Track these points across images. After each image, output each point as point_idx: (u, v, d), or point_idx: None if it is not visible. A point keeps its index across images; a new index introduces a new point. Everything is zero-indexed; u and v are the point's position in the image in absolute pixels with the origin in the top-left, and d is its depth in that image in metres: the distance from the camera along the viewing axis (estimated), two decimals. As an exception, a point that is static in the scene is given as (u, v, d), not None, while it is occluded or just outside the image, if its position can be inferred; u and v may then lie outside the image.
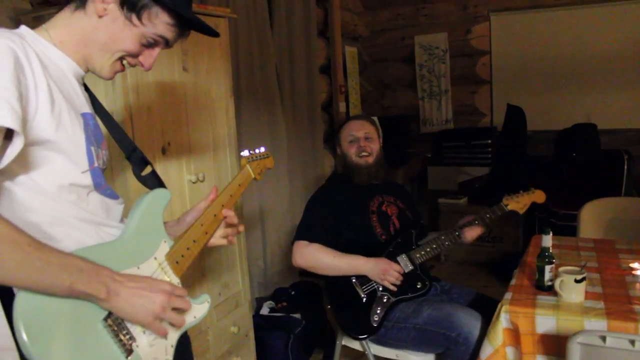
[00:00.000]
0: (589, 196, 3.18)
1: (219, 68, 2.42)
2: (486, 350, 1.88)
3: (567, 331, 1.69)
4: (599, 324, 1.70)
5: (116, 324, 1.09)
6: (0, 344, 0.99)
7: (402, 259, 2.38)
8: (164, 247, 1.27)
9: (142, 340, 1.14)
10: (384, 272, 2.31)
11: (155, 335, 1.17)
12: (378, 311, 2.30)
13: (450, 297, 2.45)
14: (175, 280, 1.27)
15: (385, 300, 2.32)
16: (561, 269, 1.90)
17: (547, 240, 1.96)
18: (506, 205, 2.45)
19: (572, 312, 1.77)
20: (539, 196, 2.51)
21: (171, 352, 1.23)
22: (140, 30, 1.17)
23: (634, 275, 2.07)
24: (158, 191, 1.30)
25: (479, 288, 2.61)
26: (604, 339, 1.50)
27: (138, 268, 1.17)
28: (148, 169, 1.37)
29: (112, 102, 1.89)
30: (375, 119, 4.99)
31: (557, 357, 1.76)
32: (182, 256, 1.31)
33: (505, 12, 5.21)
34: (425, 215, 4.98)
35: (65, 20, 1.17)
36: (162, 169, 2.06)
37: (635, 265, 2.16)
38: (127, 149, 1.37)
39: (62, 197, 1.09)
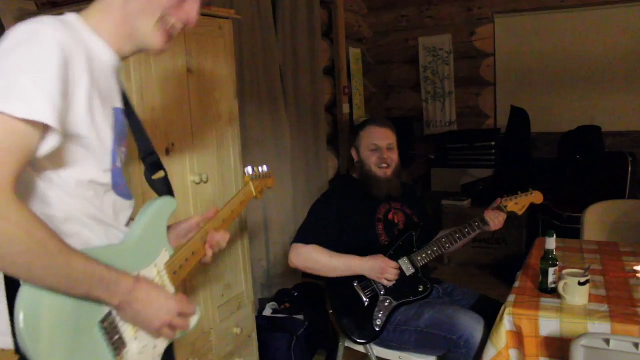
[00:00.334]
0: (593, 199, 3.17)
1: (223, 69, 2.42)
2: (489, 353, 1.88)
3: (571, 334, 1.69)
4: (602, 326, 1.70)
5: (111, 327, 1.10)
6: None
7: (404, 262, 2.37)
8: (165, 256, 1.28)
9: (133, 346, 1.15)
10: (382, 270, 2.30)
11: (146, 343, 1.18)
12: (380, 315, 2.30)
13: (453, 299, 2.45)
14: (171, 290, 1.27)
15: (387, 304, 2.32)
16: (565, 271, 1.89)
17: (551, 243, 1.95)
18: (505, 207, 2.45)
19: (576, 315, 1.76)
20: (537, 197, 2.50)
21: None
22: None
23: (637, 278, 2.06)
24: (166, 199, 1.30)
25: (482, 290, 2.60)
26: (607, 342, 1.49)
27: (138, 274, 1.17)
28: (160, 174, 1.37)
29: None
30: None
31: (561, 360, 1.76)
32: (180, 267, 1.32)
33: (510, 14, 5.20)
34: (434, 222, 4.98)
35: (102, 6, 1.15)
36: (166, 169, 2.06)
37: (639, 267, 2.15)
38: (145, 150, 1.36)
39: (78, 193, 1.08)
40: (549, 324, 1.77)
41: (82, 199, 1.10)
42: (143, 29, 1.15)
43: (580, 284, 1.82)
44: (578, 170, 4.51)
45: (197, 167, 2.26)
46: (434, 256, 2.41)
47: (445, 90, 5.54)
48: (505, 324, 1.85)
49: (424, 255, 2.39)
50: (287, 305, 3.42)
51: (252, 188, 1.59)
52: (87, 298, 1.02)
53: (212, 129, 2.37)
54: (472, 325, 2.13)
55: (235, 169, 2.54)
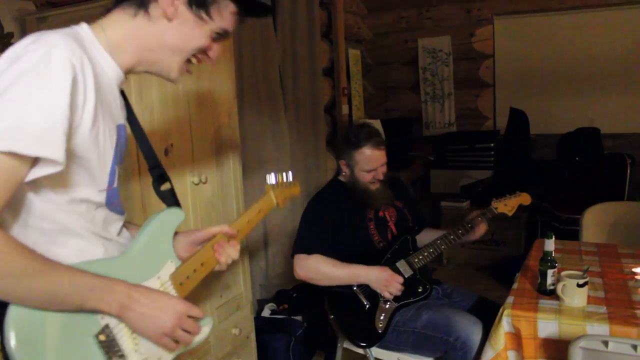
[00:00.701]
0: (592, 200, 3.18)
1: (222, 70, 2.42)
2: (488, 354, 1.88)
3: (569, 336, 1.69)
4: (601, 328, 1.70)
5: (108, 340, 1.08)
6: None
7: (402, 264, 2.39)
8: (170, 267, 1.25)
9: (134, 359, 1.13)
10: (387, 283, 2.31)
11: (148, 356, 1.15)
12: (382, 317, 2.30)
13: (452, 301, 2.45)
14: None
15: (388, 306, 2.32)
16: (563, 273, 1.89)
17: (550, 244, 1.95)
18: (495, 209, 2.55)
19: (574, 317, 1.77)
20: (524, 199, 2.62)
21: None
22: (210, 26, 1.16)
23: (636, 280, 2.06)
24: (172, 210, 1.29)
25: (481, 291, 2.61)
26: (606, 343, 1.49)
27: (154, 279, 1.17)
28: (167, 186, 1.36)
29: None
30: (377, 121, 5.01)
31: (559, 362, 1.76)
32: (188, 277, 1.29)
33: (509, 16, 5.21)
34: (427, 219, 4.98)
35: (125, 25, 1.13)
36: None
37: (637, 269, 2.15)
38: (151, 162, 1.36)
39: (70, 208, 1.07)
40: (548, 326, 1.78)
41: (75, 213, 1.09)
42: (168, 62, 1.17)
43: (578, 285, 1.82)
44: (577, 171, 4.52)
45: (196, 168, 2.26)
46: (430, 258, 2.43)
47: (445, 92, 5.55)
48: (504, 325, 1.85)
49: (420, 257, 2.41)
50: (286, 306, 3.42)
51: (273, 197, 1.54)
52: (83, 311, 1.01)
53: (211, 130, 2.36)
54: (469, 327, 2.13)
55: (234, 170, 2.54)
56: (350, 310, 2.33)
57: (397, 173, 4.96)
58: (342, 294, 2.35)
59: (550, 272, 1.93)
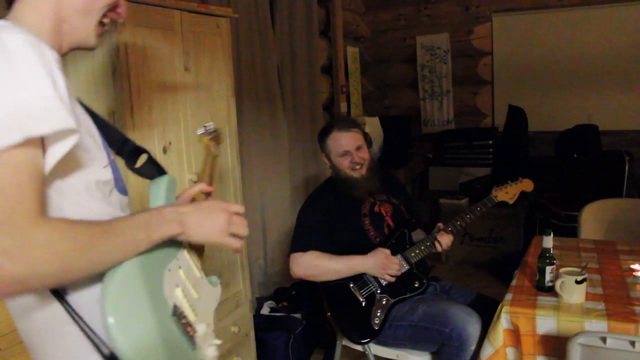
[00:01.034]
0: (590, 197, 3.18)
1: (221, 68, 2.42)
2: (486, 351, 1.89)
3: (568, 332, 1.69)
4: (599, 325, 1.70)
5: (181, 317, 1.12)
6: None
7: (398, 259, 2.38)
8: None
9: (200, 328, 1.17)
10: (384, 266, 2.31)
11: (206, 322, 1.19)
12: (378, 314, 2.31)
13: (450, 297, 2.45)
14: (198, 261, 1.28)
15: (384, 302, 2.33)
16: (562, 270, 1.90)
17: (548, 241, 1.96)
18: (495, 197, 2.50)
19: (573, 313, 1.77)
20: (526, 185, 2.54)
21: (214, 336, 1.26)
22: None
23: (634, 277, 2.07)
24: (166, 178, 1.26)
25: (480, 288, 2.61)
26: (604, 340, 1.50)
27: (177, 259, 1.18)
28: (142, 159, 1.32)
29: (113, 101, 1.89)
30: (376, 119, 5.01)
31: (558, 358, 1.76)
32: None
33: (507, 13, 5.20)
34: (426, 216, 4.99)
35: (36, 7, 1.06)
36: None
37: (635, 266, 2.15)
38: (117, 143, 1.30)
39: (89, 196, 1.07)
40: (546, 322, 1.78)
41: (95, 199, 1.08)
42: (83, 28, 1.11)
43: (577, 282, 1.82)
44: (575, 169, 4.52)
45: (194, 166, 2.26)
46: (427, 252, 2.42)
47: (443, 89, 5.55)
48: (503, 322, 1.86)
49: (417, 252, 2.40)
50: (285, 303, 3.42)
51: (213, 147, 1.56)
52: (152, 244, 1.04)
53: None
54: (464, 318, 2.14)
55: (232, 168, 2.54)
56: (347, 308, 2.34)
57: (395, 170, 4.96)
58: (339, 291, 2.35)
59: (548, 269, 1.93)
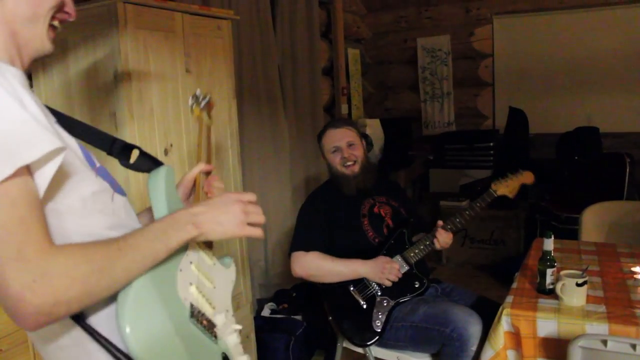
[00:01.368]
0: (591, 199, 3.18)
1: (222, 69, 2.42)
2: (487, 353, 1.89)
3: (569, 335, 1.69)
4: (600, 327, 1.70)
5: (199, 316, 1.12)
6: None
7: (397, 260, 2.37)
8: None
9: (218, 320, 1.17)
10: (383, 271, 2.31)
11: (223, 311, 1.20)
12: (380, 316, 2.30)
13: (451, 299, 2.45)
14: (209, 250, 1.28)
15: (385, 304, 2.32)
16: (562, 272, 1.90)
17: (549, 244, 1.96)
18: (495, 191, 2.45)
19: (574, 316, 1.77)
20: (527, 177, 2.50)
21: (234, 320, 1.27)
22: None
23: (635, 279, 2.07)
24: (163, 169, 1.23)
25: (480, 291, 2.61)
26: (605, 343, 1.50)
27: (187, 255, 1.17)
28: (135, 154, 1.31)
29: (114, 104, 1.90)
30: (377, 121, 5.01)
31: (558, 361, 1.76)
32: None
33: (508, 15, 5.21)
34: (426, 218, 4.98)
35: None
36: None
37: (636, 269, 2.15)
38: (106, 144, 1.28)
39: (88, 210, 1.04)
40: (547, 325, 1.78)
41: (95, 213, 1.06)
42: (36, 34, 1.07)
43: (577, 285, 1.82)
44: (576, 171, 4.52)
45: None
46: (426, 251, 2.40)
47: (444, 91, 5.55)
48: (503, 324, 1.85)
49: (416, 251, 2.39)
50: (286, 305, 3.42)
51: (206, 118, 1.53)
52: (171, 250, 1.04)
53: (210, 130, 2.36)
54: (464, 318, 2.13)
55: (233, 169, 2.54)
56: (348, 311, 2.33)
57: (396, 172, 4.96)
58: (339, 295, 2.35)
59: (549, 271, 1.93)
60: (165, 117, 2.09)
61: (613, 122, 4.86)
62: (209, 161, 1.46)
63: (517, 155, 4.84)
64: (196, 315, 1.11)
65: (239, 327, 1.25)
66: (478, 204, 2.45)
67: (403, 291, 2.35)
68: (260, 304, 3.52)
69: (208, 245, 1.30)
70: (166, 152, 2.09)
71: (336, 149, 2.52)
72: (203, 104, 1.52)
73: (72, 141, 1.08)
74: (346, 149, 2.51)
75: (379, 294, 2.34)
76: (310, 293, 3.48)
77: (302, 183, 4.14)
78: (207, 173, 1.41)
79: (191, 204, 1.35)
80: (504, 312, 1.85)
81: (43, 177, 0.90)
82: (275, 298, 3.55)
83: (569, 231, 3.65)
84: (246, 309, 2.66)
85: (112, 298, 0.99)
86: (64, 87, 1.99)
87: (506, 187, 2.46)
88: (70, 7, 1.12)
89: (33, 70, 2.03)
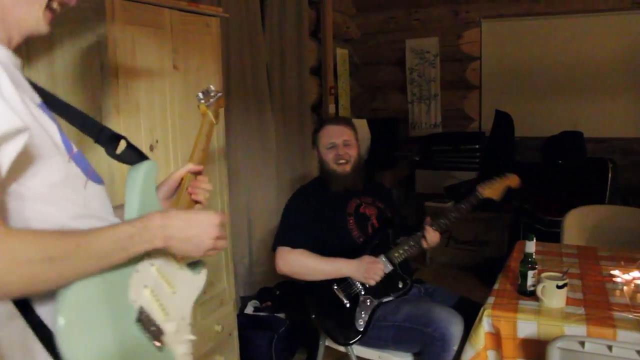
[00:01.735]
0: (574, 203, 3.21)
1: (210, 67, 2.42)
2: (468, 353, 1.91)
3: (548, 336, 1.72)
4: (578, 329, 1.73)
5: (146, 321, 1.09)
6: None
7: (381, 260, 2.38)
8: None
9: (168, 328, 1.14)
10: (367, 271, 2.32)
11: (177, 320, 1.17)
12: (363, 315, 2.31)
13: (434, 300, 2.46)
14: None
15: (368, 304, 2.33)
16: (543, 274, 1.92)
17: (531, 246, 1.98)
18: (481, 194, 2.47)
19: (553, 318, 1.79)
20: (512, 180, 2.52)
21: (189, 330, 1.23)
22: None
23: (614, 282, 2.10)
24: (146, 164, 1.22)
25: (463, 291, 2.63)
26: (582, 344, 1.52)
27: (150, 256, 1.14)
28: (122, 145, 1.28)
29: (100, 99, 1.89)
30: (364, 121, 5.02)
31: (537, 362, 1.78)
32: None
33: (496, 19, 5.24)
34: (411, 218, 5.01)
35: None
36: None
37: (615, 272, 2.19)
38: (93, 132, 1.26)
39: (56, 197, 1.01)
40: (527, 326, 1.80)
41: (62, 201, 1.03)
42: (33, 15, 1.06)
43: (558, 287, 1.85)
44: (560, 174, 4.57)
45: (182, 164, 2.25)
46: (410, 251, 2.42)
47: (431, 93, 5.57)
48: (484, 325, 1.87)
49: (400, 252, 2.41)
50: (269, 303, 3.43)
51: (211, 116, 1.51)
52: (132, 257, 1.02)
53: (197, 127, 2.35)
54: (447, 319, 2.15)
55: (219, 167, 2.54)
56: (331, 310, 2.34)
57: (382, 173, 4.98)
58: (323, 293, 2.36)
59: (530, 273, 1.95)
60: (152, 113, 2.09)
61: (598, 128, 4.92)
62: (203, 161, 1.43)
63: (503, 157, 4.87)
64: (143, 319, 1.08)
65: (192, 337, 1.22)
66: (464, 206, 2.47)
67: (387, 291, 2.37)
68: (243, 301, 3.52)
69: None
70: (152, 148, 2.09)
71: (332, 146, 2.54)
72: (212, 100, 1.50)
73: (49, 124, 1.05)
74: (342, 147, 2.53)
75: (363, 293, 2.35)
76: (293, 291, 3.49)
77: (288, 181, 4.14)
78: (197, 173, 1.39)
79: (172, 204, 1.33)
80: (485, 312, 1.87)
81: (7, 156, 0.88)
82: (259, 296, 3.55)
83: (551, 234, 3.67)
84: (229, 306, 2.66)
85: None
86: (50, 81, 1.98)
87: (492, 190, 2.48)
88: None
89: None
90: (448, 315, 2.17)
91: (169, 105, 2.19)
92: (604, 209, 3.50)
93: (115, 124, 1.90)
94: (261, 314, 3.33)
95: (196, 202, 1.38)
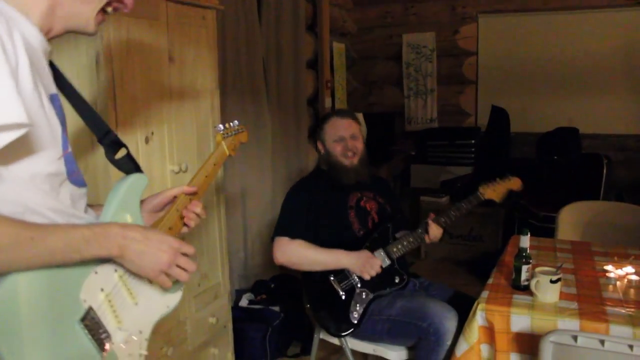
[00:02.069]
0: (569, 199, 3.22)
1: (205, 59, 2.41)
2: (461, 347, 1.91)
3: (541, 330, 1.72)
4: (571, 323, 1.74)
5: (93, 323, 1.08)
6: None
7: (379, 254, 2.39)
8: None
9: (118, 337, 1.13)
10: (364, 265, 2.33)
11: (131, 331, 1.16)
12: (357, 307, 2.32)
13: (429, 294, 2.47)
14: None
15: (364, 296, 2.34)
16: (537, 269, 1.93)
17: (525, 241, 1.99)
18: (483, 195, 2.48)
19: (546, 312, 1.80)
20: (514, 183, 2.52)
21: (145, 345, 1.22)
22: None
23: (607, 277, 2.11)
24: (135, 176, 1.25)
25: (458, 286, 2.64)
26: (575, 338, 1.53)
27: (115, 262, 1.13)
28: (122, 152, 1.30)
29: (96, 91, 1.88)
30: (360, 115, 5.02)
31: (531, 356, 1.79)
32: None
33: (494, 14, 5.24)
34: (406, 213, 5.02)
35: None
36: (145, 158, 2.05)
37: (609, 267, 2.20)
38: (100, 132, 1.28)
39: (33, 186, 1.02)
40: (520, 320, 1.81)
41: (40, 191, 1.04)
42: (85, 14, 1.09)
43: (551, 282, 1.85)
44: (555, 170, 4.58)
45: (177, 157, 2.26)
46: (409, 247, 2.43)
47: (428, 88, 5.57)
48: (478, 319, 1.88)
49: (399, 247, 2.42)
50: (264, 296, 3.43)
51: (225, 147, 1.52)
52: (85, 260, 1.02)
53: (192, 119, 2.36)
54: (441, 313, 2.16)
55: (215, 160, 2.53)
56: (326, 300, 2.35)
57: (378, 167, 4.98)
58: (319, 283, 2.36)
59: (524, 268, 1.96)
60: (147, 105, 2.08)
61: (592, 124, 4.94)
62: (203, 187, 1.43)
63: (498, 153, 4.88)
64: (88, 320, 1.07)
65: (144, 352, 1.21)
66: (464, 205, 2.48)
67: (383, 285, 2.37)
68: (238, 294, 3.53)
69: None
70: (147, 141, 2.08)
71: (340, 139, 2.55)
72: (230, 134, 1.53)
73: (54, 117, 1.06)
74: (350, 140, 2.54)
75: (359, 285, 2.35)
76: (288, 284, 3.50)
77: (284, 175, 4.14)
78: (192, 194, 1.39)
79: (158, 220, 1.33)
80: (479, 307, 1.88)
81: (5, 138, 0.89)
82: (254, 289, 3.55)
83: (546, 229, 3.69)
84: (224, 299, 2.66)
85: None
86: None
87: (493, 192, 2.49)
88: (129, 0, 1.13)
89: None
90: (443, 310, 2.18)
91: (165, 98, 2.18)
92: (598, 204, 3.51)
93: (111, 116, 1.89)
94: (256, 306, 3.34)
95: (185, 224, 1.38)
